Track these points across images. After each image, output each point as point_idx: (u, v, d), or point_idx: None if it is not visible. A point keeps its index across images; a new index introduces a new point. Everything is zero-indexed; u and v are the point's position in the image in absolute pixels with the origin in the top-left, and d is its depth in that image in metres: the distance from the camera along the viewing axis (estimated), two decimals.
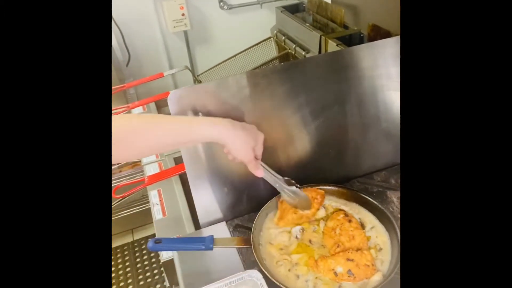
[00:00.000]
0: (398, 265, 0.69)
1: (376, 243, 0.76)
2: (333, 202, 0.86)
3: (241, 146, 0.70)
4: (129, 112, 1.48)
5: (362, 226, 0.79)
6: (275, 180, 0.78)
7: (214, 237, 0.74)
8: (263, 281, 0.66)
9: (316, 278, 0.71)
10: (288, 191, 0.80)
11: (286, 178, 0.80)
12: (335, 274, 0.69)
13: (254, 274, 0.67)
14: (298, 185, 0.81)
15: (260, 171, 0.75)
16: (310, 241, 0.78)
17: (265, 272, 0.69)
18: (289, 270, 0.73)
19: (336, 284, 0.69)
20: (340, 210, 0.83)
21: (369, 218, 0.81)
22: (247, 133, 0.70)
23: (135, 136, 0.65)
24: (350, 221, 0.78)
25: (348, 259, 0.71)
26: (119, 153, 0.63)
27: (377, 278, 0.69)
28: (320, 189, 0.87)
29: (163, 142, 0.68)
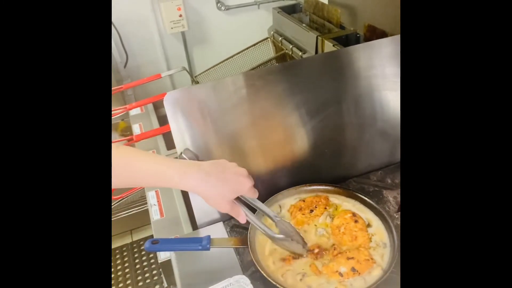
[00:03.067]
0: (394, 264, 0.69)
1: (380, 240, 0.77)
2: (335, 200, 0.87)
3: (214, 200, 0.65)
4: (127, 113, 1.49)
5: (369, 225, 0.80)
6: (263, 227, 0.71)
7: (211, 237, 0.74)
8: (251, 287, 0.66)
9: (320, 285, 0.71)
10: (277, 240, 0.72)
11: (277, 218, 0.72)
12: (340, 274, 0.71)
13: (242, 279, 0.67)
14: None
15: (242, 217, 0.69)
16: (319, 246, 0.78)
17: (262, 273, 0.69)
18: (296, 276, 0.73)
19: (341, 284, 0.70)
20: (348, 210, 0.83)
21: (369, 215, 0.82)
22: (223, 185, 0.64)
23: None
24: (356, 221, 0.79)
25: (348, 258, 0.72)
26: None
27: (376, 272, 0.70)
28: (317, 189, 0.88)
29: (129, 182, 0.66)
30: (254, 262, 0.72)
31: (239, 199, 0.70)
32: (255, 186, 0.68)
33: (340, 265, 0.71)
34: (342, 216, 0.80)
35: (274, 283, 0.68)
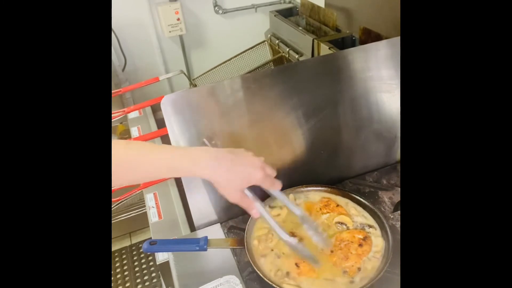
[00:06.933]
0: (388, 264, 0.70)
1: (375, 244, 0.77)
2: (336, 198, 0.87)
3: (223, 188, 0.65)
4: (125, 116, 1.50)
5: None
6: (276, 228, 0.70)
7: (209, 238, 0.75)
8: (241, 286, 0.67)
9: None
10: (289, 244, 0.71)
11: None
12: (297, 266, 0.72)
13: (232, 279, 0.68)
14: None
15: (255, 212, 0.68)
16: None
17: (258, 273, 0.70)
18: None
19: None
20: (363, 231, 0.79)
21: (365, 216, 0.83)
22: (232, 173, 0.64)
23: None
24: (361, 245, 0.75)
25: None
26: None
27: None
28: (314, 189, 0.89)
29: (144, 176, 0.66)
30: (251, 262, 0.73)
31: (257, 191, 0.67)
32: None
33: (296, 259, 0.73)
34: (352, 233, 0.78)
35: (270, 283, 0.68)
